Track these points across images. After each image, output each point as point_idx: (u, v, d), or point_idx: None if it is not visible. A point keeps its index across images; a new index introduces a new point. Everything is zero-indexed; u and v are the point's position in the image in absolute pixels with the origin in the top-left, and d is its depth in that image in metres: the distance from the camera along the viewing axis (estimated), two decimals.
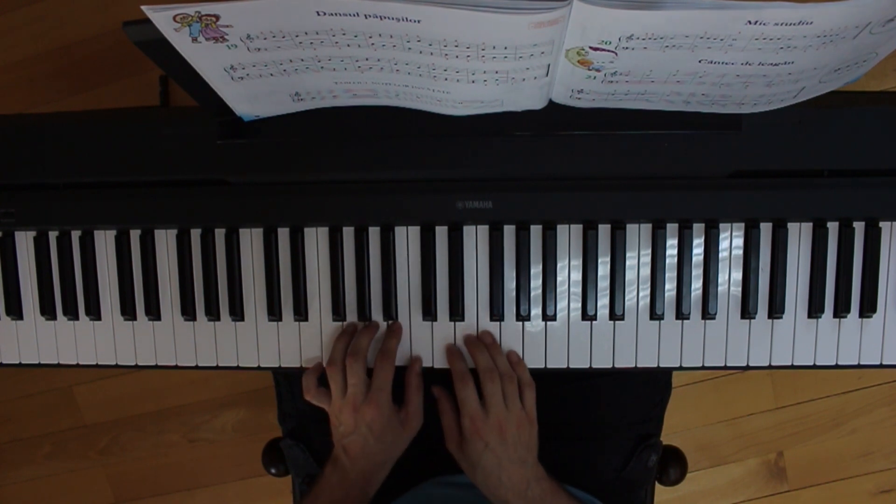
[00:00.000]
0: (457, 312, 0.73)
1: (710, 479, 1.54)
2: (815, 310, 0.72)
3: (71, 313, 0.78)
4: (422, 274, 0.74)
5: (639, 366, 0.74)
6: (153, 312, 0.76)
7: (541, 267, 0.73)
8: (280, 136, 0.71)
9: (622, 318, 0.73)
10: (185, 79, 0.61)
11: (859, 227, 0.71)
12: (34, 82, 1.48)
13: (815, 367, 0.73)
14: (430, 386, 0.76)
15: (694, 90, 0.63)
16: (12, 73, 1.48)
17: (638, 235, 0.72)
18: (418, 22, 0.52)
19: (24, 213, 0.75)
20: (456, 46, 0.54)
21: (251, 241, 0.75)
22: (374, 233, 0.74)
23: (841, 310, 0.72)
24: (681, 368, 0.74)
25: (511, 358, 0.74)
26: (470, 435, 0.71)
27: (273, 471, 0.97)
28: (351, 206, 0.72)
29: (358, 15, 0.52)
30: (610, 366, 0.74)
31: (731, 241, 0.72)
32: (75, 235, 0.77)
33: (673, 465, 0.93)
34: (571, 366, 0.74)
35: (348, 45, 0.56)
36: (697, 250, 0.72)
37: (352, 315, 0.75)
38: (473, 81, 0.60)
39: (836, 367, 0.73)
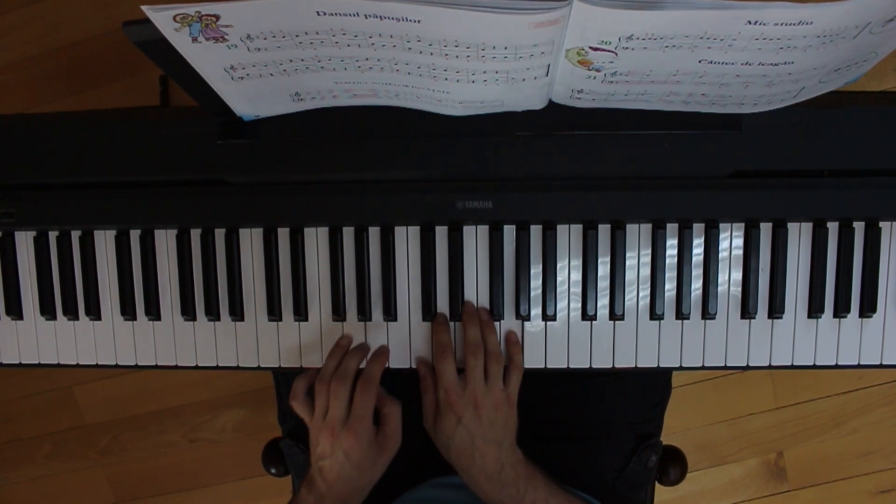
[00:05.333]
0: (457, 313, 0.73)
1: (710, 479, 1.54)
2: (815, 310, 0.72)
3: (71, 313, 0.77)
4: (422, 274, 0.74)
5: (639, 366, 0.74)
6: (153, 312, 0.76)
7: (541, 267, 0.73)
8: (280, 136, 0.71)
9: (622, 318, 0.73)
10: (185, 79, 0.61)
11: (859, 227, 0.71)
12: (34, 82, 1.48)
13: (815, 367, 0.73)
14: (416, 362, 0.75)
15: (693, 90, 0.63)
16: (12, 73, 1.48)
17: (638, 235, 0.72)
18: (418, 22, 0.52)
19: (24, 213, 0.75)
20: (456, 46, 0.54)
21: (251, 241, 0.75)
22: (374, 233, 0.74)
23: (841, 310, 0.72)
24: (681, 368, 0.74)
25: (509, 338, 0.73)
26: (444, 407, 0.70)
27: (273, 471, 0.97)
28: (351, 206, 0.72)
29: (358, 15, 0.52)
30: (610, 366, 0.74)
31: (731, 241, 0.72)
32: (75, 235, 0.77)
33: (673, 465, 0.93)
34: (571, 366, 0.74)
35: (348, 45, 0.56)
36: (697, 250, 0.72)
37: (352, 315, 0.75)
38: (473, 81, 0.60)
39: (836, 367, 0.73)
